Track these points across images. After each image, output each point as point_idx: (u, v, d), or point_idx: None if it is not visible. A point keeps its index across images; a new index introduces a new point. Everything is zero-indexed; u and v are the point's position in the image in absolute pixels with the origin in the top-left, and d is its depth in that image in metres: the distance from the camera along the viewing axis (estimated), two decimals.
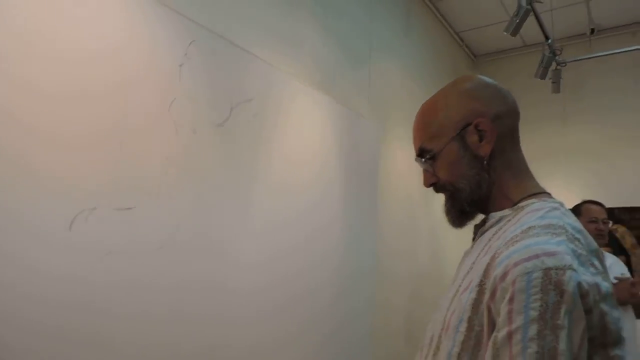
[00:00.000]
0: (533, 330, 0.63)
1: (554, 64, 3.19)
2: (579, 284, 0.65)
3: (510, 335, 0.64)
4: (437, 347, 0.79)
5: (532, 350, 0.62)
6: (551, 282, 0.64)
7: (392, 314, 2.90)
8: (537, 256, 0.66)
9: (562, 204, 0.81)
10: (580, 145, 3.96)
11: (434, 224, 3.45)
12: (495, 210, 0.84)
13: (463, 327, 0.73)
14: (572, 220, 0.76)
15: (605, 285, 0.70)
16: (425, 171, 0.88)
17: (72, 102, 1.28)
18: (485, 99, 0.84)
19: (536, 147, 4.15)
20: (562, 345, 0.62)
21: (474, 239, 0.87)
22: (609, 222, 2.26)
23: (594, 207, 2.25)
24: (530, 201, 0.81)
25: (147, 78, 1.49)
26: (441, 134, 0.84)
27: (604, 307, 0.68)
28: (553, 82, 3.25)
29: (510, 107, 0.85)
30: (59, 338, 1.21)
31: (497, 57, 4.61)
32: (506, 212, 0.82)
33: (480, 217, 0.90)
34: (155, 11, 1.52)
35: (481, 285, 0.72)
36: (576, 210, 2.30)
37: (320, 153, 2.25)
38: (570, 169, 3.97)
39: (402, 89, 3.25)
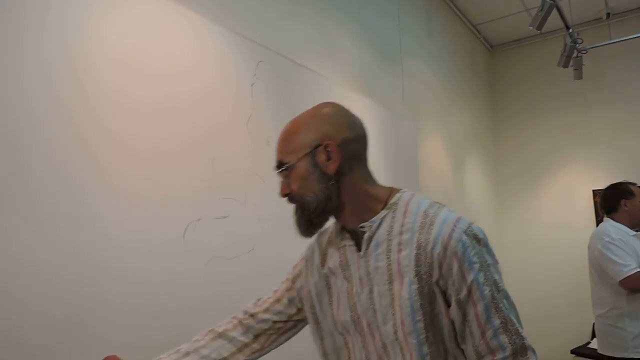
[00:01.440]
0: (481, 277, 0.85)
1: (575, 52, 3.31)
2: (482, 230, 0.89)
3: (469, 290, 0.84)
4: (400, 347, 0.86)
5: (487, 290, 0.85)
6: (471, 237, 0.86)
7: None
8: (455, 226, 0.86)
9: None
10: (601, 131, 4.09)
11: (465, 207, 3.68)
12: (364, 216, 0.92)
13: (419, 314, 0.85)
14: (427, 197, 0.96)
15: None
16: (282, 182, 0.95)
17: (169, 126, 1.46)
18: (337, 126, 0.92)
19: (561, 134, 4.29)
20: (497, 276, 0.87)
21: (359, 249, 0.93)
22: None
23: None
24: (397, 196, 0.93)
25: (227, 98, 1.66)
26: (297, 150, 0.91)
27: None
28: (575, 69, 3.37)
29: (358, 135, 0.95)
30: (171, 333, 1.39)
31: (513, 46, 4.73)
32: (384, 212, 0.91)
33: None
34: (228, 37, 1.69)
35: (418, 274, 0.85)
36: (625, 190, 2.37)
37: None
38: (592, 153, 4.10)
39: (429, 86, 3.41)
